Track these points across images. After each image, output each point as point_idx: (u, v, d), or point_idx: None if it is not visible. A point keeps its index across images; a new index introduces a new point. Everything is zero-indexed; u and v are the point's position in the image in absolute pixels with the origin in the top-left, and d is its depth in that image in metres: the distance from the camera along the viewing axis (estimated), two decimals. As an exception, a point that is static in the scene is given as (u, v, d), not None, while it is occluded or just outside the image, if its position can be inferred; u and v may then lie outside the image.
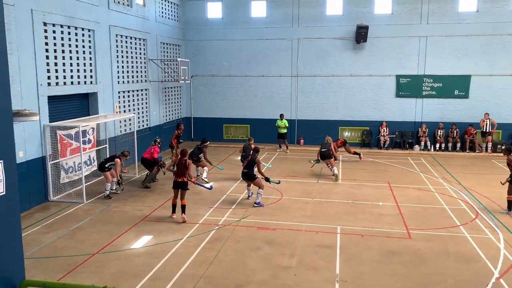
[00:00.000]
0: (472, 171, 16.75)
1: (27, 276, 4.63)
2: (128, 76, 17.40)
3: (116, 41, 16.28)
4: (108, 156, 14.30)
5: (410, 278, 8.04)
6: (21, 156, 11.47)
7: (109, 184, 12.96)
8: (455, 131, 20.50)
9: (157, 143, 14.61)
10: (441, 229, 10.47)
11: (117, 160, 13.05)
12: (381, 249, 9.29)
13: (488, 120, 19.75)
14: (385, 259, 8.79)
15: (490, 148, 19.88)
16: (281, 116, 20.82)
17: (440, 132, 20.58)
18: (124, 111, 17.14)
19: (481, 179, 15.37)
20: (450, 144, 20.45)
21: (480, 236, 9.99)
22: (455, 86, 20.82)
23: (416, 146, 20.78)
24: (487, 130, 19.82)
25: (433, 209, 12.07)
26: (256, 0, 21.96)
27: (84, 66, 14.45)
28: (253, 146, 13.98)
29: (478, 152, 20.07)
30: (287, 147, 20.71)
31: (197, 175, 15.16)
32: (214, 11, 22.57)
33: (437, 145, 20.57)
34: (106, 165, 12.98)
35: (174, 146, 17.10)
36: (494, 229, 10.43)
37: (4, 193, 3.96)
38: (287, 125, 20.84)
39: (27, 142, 11.77)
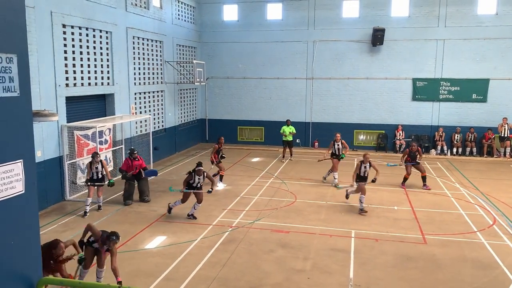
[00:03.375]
0: (489, 176, 16.46)
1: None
2: (144, 77, 17.56)
3: (133, 43, 16.47)
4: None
5: (425, 284, 7.94)
6: (39, 155, 11.67)
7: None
8: (472, 136, 20.20)
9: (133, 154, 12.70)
10: (458, 235, 10.31)
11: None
12: (396, 254, 9.19)
13: (506, 125, 19.38)
14: (400, 264, 8.70)
15: (508, 153, 19.53)
16: (288, 121, 19.24)
17: (457, 136, 20.29)
18: (140, 112, 17.30)
19: (499, 185, 15.09)
20: (468, 149, 20.15)
21: (498, 243, 9.82)
22: (473, 90, 20.51)
23: (433, 150, 20.53)
24: (506, 135, 19.46)
25: (449, 214, 11.90)
26: (272, 2, 21.99)
27: (102, 67, 14.64)
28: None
29: (496, 157, 19.74)
30: (291, 154, 19.09)
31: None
32: (230, 13, 22.67)
33: (454, 150, 20.28)
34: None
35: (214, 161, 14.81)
36: (512, 236, 10.25)
37: (23, 191, 4.02)
38: (295, 132, 19.03)
39: (45, 142, 11.97)
